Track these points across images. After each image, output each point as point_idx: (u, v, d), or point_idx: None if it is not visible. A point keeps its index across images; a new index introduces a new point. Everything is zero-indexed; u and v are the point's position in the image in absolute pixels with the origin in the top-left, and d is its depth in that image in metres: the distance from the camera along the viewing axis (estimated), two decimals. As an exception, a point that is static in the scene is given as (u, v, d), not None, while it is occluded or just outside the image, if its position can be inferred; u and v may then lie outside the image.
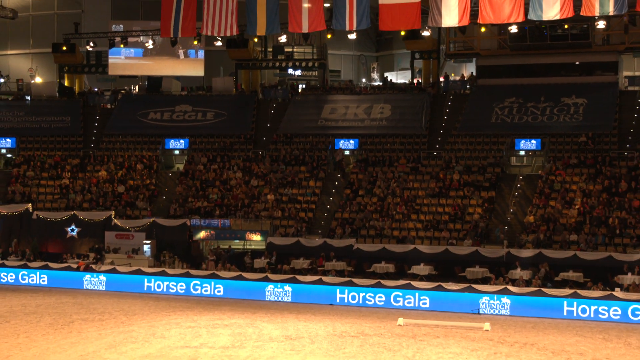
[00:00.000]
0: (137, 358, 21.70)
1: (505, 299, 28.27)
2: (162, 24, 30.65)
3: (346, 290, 30.15)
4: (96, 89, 47.74)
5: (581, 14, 24.08)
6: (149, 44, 43.37)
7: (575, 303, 27.62)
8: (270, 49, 45.85)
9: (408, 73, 46.26)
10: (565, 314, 27.62)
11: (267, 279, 31.36)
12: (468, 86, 42.29)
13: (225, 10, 27.82)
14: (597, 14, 23.76)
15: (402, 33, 40.30)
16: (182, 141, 41.84)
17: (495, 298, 28.41)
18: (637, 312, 26.97)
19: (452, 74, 45.30)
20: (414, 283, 29.94)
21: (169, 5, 30.24)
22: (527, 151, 37.35)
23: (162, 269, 33.27)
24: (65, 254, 35.85)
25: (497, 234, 32.69)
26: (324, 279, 31.05)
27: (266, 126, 42.58)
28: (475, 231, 33.21)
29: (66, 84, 46.78)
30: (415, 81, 44.08)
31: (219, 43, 41.49)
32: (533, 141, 37.09)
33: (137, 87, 47.69)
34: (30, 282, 33.98)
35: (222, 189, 38.28)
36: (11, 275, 34.26)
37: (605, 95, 38.16)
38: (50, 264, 34.40)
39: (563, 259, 30.63)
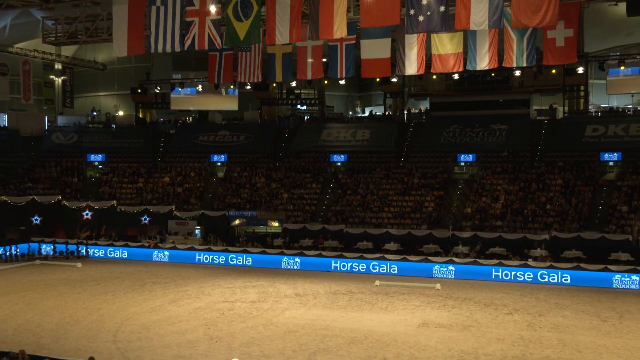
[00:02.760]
0: (191, 310, 21.76)
1: (451, 267, 28.36)
2: (209, 73, 30.70)
3: (339, 261, 30.21)
4: (162, 119, 47.89)
5: (503, 65, 24.09)
6: (199, 87, 43.60)
7: (500, 270, 27.74)
8: (284, 91, 45.95)
9: (382, 107, 46.38)
10: (493, 277, 27.70)
11: (282, 253, 31.42)
12: (424, 117, 42.39)
13: (253, 64, 27.89)
14: (514, 65, 23.80)
15: (378, 79, 40.44)
16: (222, 156, 41.95)
17: (444, 266, 28.48)
18: (544, 276, 27.11)
19: (413, 108, 45.40)
20: (386, 256, 29.99)
21: (214, 60, 30.35)
22: (466, 162, 37.40)
23: (209, 246, 33.34)
24: (139, 236, 35.94)
25: (447, 221, 32.68)
26: (323, 253, 31.15)
27: (282, 145, 42.62)
28: (429, 219, 33.28)
29: (140, 116, 46.96)
30: (386, 113, 44.18)
31: (248, 87, 41.71)
32: (470, 155, 37.25)
33: (190, 117, 47.82)
34: (115, 256, 34.06)
35: (250, 190, 38.33)
36: (101, 251, 34.35)
37: (521, 123, 38.26)
38: (129, 243, 34.58)
39: (491, 238, 30.69)
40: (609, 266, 26.76)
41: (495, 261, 28.29)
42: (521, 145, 37.26)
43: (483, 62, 23.35)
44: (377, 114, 45.99)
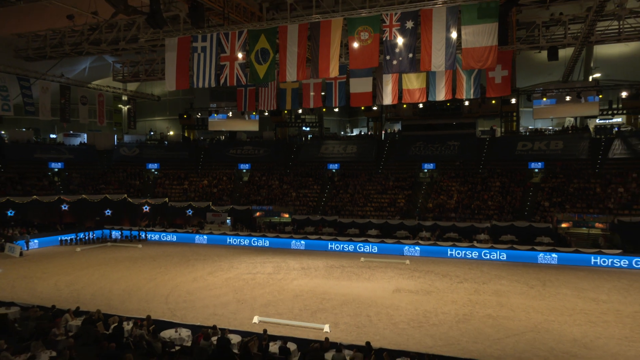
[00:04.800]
0: (223, 279, 21.74)
1: (417, 247, 28.38)
2: (237, 103, 30.75)
3: (333, 243, 30.25)
4: (202, 137, 47.83)
5: (456, 97, 24.12)
6: (230, 113, 43.52)
7: (454, 249, 27.78)
8: (293, 116, 45.94)
9: (365, 128, 46.38)
10: (448, 255, 27.73)
11: (292, 237, 31.43)
12: (397, 135, 42.32)
13: (270, 96, 27.91)
14: (464, 97, 23.82)
15: (362, 108, 40.45)
16: (247, 165, 41.86)
17: (412, 247, 28.51)
18: (486, 254, 27.13)
19: (389, 129, 45.33)
20: (369, 239, 30.03)
21: (241, 93, 30.40)
22: (428, 169, 37.33)
23: (237, 232, 33.34)
24: (185, 224, 35.90)
25: (416, 213, 32.68)
26: (322, 237, 31.13)
27: (291, 157, 42.54)
28: (401, 212, 33.26)
29: (186, 134, 46.89)
30: (369, 133, 44.14)
31: (266, 113, 41.61)
32: (431, 164, 37.19)
33: (223, 136, 47.77)
34: (167, 239, 34.06)
35: (268, 190, 38.29)
36: (156, 236, 34.33)
37: (469, 141, 38.26)
38: (177, 230, 34.54)
39: (447, 226, 30.71)
40: (535, 247, 26.81)
41: (450, 243, 28.34)
42: (469, 157, 37.26)
43: (441, 94, 23.40)
44: (362, 133, 45.98)
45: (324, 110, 43.37)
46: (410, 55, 17.50)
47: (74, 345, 12.29)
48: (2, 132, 42.31)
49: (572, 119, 40.14)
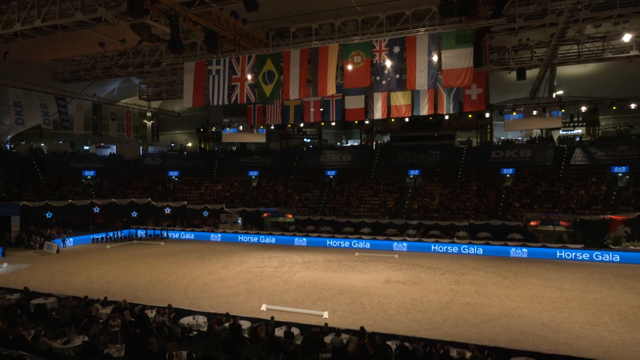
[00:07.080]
0: (235, 271, 21.64)
1: (405, 243, 28.31)
2: (248, 118, 30.80)
3: (331, 240, 30.13)
4: (216, 148, 47.72)
5: (437, 111, 24.16)
6: (241, 127, 43.42)
7: (436, 245, 27.71)
8: (296, 129, 45.91)
9: (359, 140, 46.34)
10: (432, 250, 27.65)
11: (295, 235, 31.31)
12: (386, 146, 42.21)
13: (275, 112, 27.96)
14: (444, 112, 23.86)
15: (356, 122, 40.46)
16: (255, 172, 41.72)
17: (400, 243, 28.44)
18: (465, 249, 27.03)
19: (379, 140, 45.32)
20: (362, 236, 29.94)
21: (250, 110, 30.46)
22: (414, 175, 37.23)
23: (247, 230, 33.21)
24: (201, 224, 35.74)
25: (403, 213, 32.56)
26: (321, 234, 31.00)
27: (294, 165, 42.42)
28: (390, 212, 33.16)
29: (202, 146, 46.80)
30: (362, 143, 44.10)
31: (272, 127, 41.52)
32: (416, 171, 37.10)
33: (235, 147, 47.70)
34: (185, 237, 33.90)
35: (274, 194, 38.18)
36: (177, 234, 34.17)
37: (449, 150, 38.25)
38: (195, 229, 34.39)
39: (430, 224, 30.59)
40: (507, 242, 26.75)
41: (433, 239, 28.25)
42: (449, 164, 37.19)
43: (424, 109, 23.43)
44: (356, 144, 45.94)
45: (323, 123, 43.36)
46: (398, 76, 17.54)
47: (104, 331, 12.19)
48: (42, 145, 42.30)
49: (539, 131, 40.20)
